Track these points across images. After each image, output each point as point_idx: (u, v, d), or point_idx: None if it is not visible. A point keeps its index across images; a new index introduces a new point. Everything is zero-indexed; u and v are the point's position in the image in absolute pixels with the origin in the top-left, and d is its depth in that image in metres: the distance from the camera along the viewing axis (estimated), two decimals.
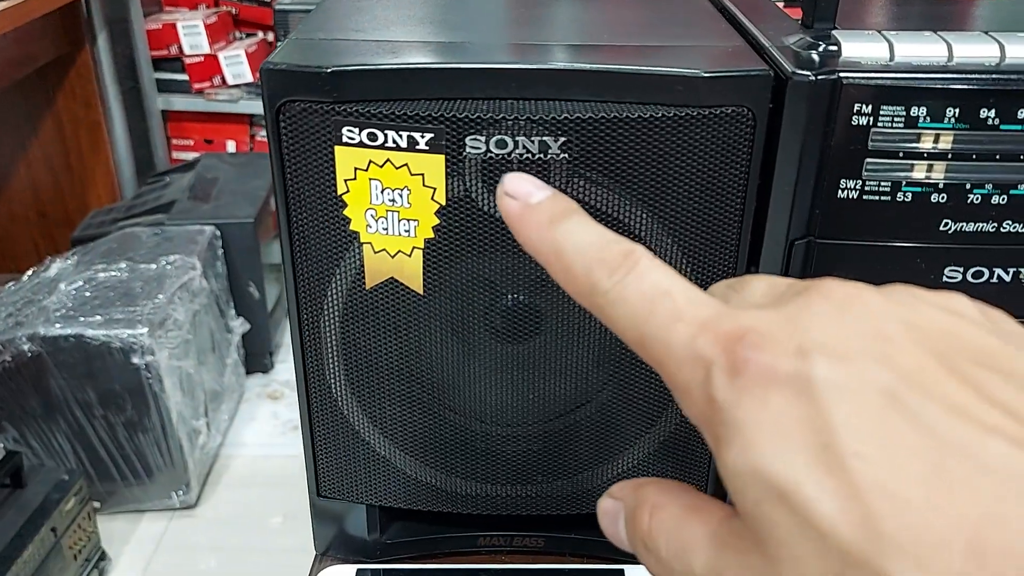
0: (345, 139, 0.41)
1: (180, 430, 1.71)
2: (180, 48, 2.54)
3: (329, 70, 0.40)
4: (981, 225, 0.43)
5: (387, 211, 0.43)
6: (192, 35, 2.54)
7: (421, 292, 0.44)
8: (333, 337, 0.46)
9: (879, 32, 0.44)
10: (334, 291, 0.45)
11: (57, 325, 1.65)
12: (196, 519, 1.79)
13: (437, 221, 0.43)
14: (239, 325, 1.95)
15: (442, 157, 0.41)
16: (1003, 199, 0.43)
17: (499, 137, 0.41)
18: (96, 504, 1.67)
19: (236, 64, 2.55)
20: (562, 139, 0.41)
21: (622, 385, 0.48)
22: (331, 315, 0.46)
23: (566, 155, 0.41)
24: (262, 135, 2.46)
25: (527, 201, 0.29)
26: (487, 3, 0.53)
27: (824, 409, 0.21)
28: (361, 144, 0.41)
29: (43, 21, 2.12)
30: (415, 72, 0.41)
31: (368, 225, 0.43)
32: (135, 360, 1.65)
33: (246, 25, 2.71)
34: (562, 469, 0.51)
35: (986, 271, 0.45)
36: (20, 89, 2.32)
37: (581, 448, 0.50)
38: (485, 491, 0.51)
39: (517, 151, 0.41)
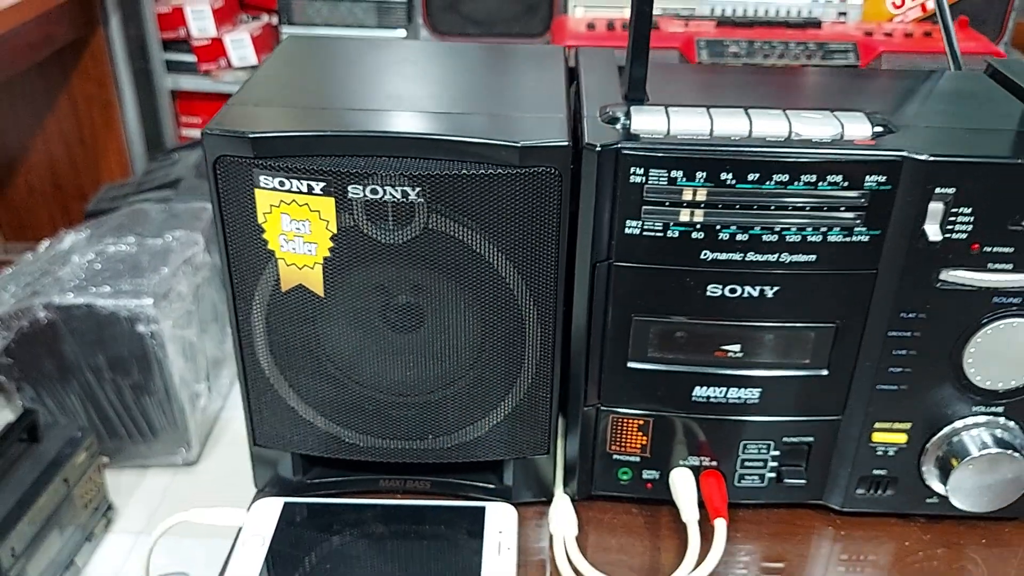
0: (262, 184, 0.57)
1: (182, 393, 1.87)
2: (188, 31, 2.68)
3: (251, 136, 0.56)
4: (731, 255, 0.59)
5: (294, 236, 0.59)
6: (200, 19, 2.67)
7: (322, 295, 0.60)
8: (260, 326, 0.63)
9: (665, 108, 0.60)
10: (260, 292, 0.61)
11: (70, 295, 1.81)
12: (197, 475, 1.95)
13: (332, 244, 0.59)
14: None
15: (332, 199, 0.57)
16: (745, 237, 0.58)
17: (372, 186, 0.57)
18: (105, 459, 1.84)
19: (241, 47, 2.69)
20: (418, 188, 0.57)
21: (483, 367, 0.64)
22: (258, 310, 0.62)
23: (423, 200, 0.57)
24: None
25: None
26: (382, 71, 0.69)
27: None
28: (274, 188, 0.57)
29: (62, 5, 2.26)
30: (313, 138, 0.57)
31: (281, 245, 0.59)
32: (141, 328, 1.81)
33: (252, 8, 2.83)
34: (441, 428, 0.67)
35: (739, 288, 0.60)
36: (38, 69, 2.47)
37: (454, 413, 0.66)
38: (382, 445, 0.67)
39: (386, 196, 0.57)
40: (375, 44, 0.74)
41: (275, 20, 2.72)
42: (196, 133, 2.79)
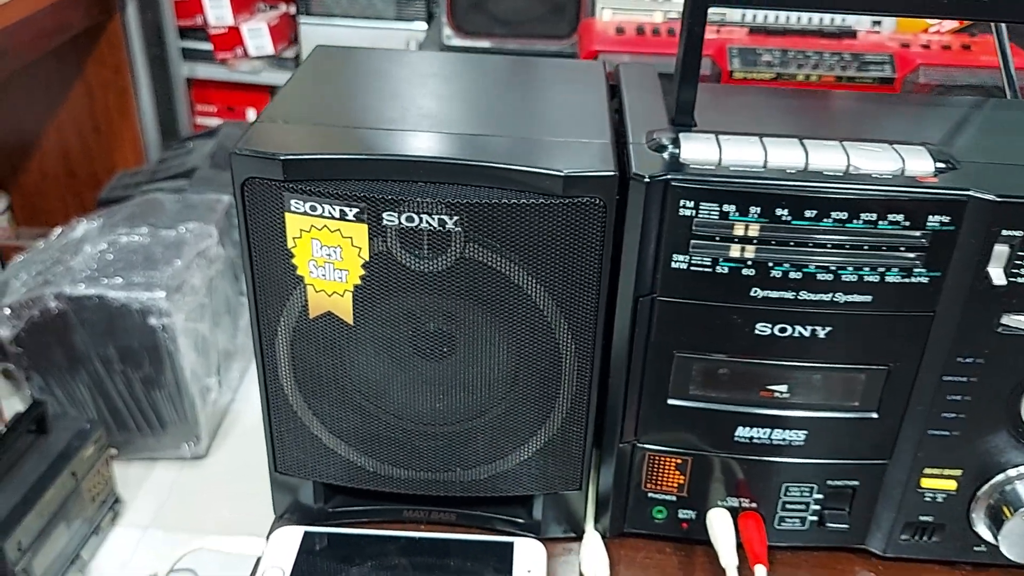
0: (293, 208, 0.54)
1: (193, 387, 1.85)
2: (205, 19, 2.65)
3: (281, 157, 0.53)
4: (783, 293, 0.56)
5: (325, 262, 0.56)
6: (217, 7, 2.65)
7: (351, 324, 0.58)
8: (285, 353, 0.60)
9: (716, 136, 0.57)
10: (286, 318, 0.59)
11: (81, 285, 1.79)
12: (205, 468, 1.94)
13: (363, 272, 0.56)
14: None
15: (365, 226, 0.54)
16: (798, 275, 0.55)
17: (408, 214, 0.54)
18: (113, 451, 1.82)
19: (258, 36, 2.67)
20: (455, 217, 0.54)
21: (516, 398, 0.61)
22: (283, 336, 0.59)
23: (460, 228, 0.54)
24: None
25: None
26: (416, 85, 0.66)
27: None
28: (305, 213, 0.54)
29: None
30: (347, 160, 0.54)
31: (310, 271, 0.56)
32: (152, 321, 1.79)
33: None
34: (469, 460, 0.64)
35: (789, 327, 0.57)
36: (53, 55, 2.44)
37: (484, 445, 0.63)
38: (408, 476, 0.65)
39: (422, 224, 0.54)
40: (406, 56, 0.72)
41: (292, 10, 2.70)
42: (211, 121, 2.77)
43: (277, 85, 2.66)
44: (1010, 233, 0.53)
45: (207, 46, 2.68)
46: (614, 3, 1.38)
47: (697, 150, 0.56)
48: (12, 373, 1.86)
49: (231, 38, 2.66)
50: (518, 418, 0.62)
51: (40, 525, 1.55)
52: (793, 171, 0.55)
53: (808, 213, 0.54)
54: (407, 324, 0.59)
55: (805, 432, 0.61)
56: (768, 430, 0.61)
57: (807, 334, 0.57)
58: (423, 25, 2.53)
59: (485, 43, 1.49)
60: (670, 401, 0.61)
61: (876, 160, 0.55)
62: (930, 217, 0.53)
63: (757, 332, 0.57)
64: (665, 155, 0.56)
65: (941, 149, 0.57)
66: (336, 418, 0.62)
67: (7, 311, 1.78)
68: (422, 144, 0.56)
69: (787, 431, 0.61)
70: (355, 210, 0.54)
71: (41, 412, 1.61)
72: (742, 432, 0.61)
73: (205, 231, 2.01)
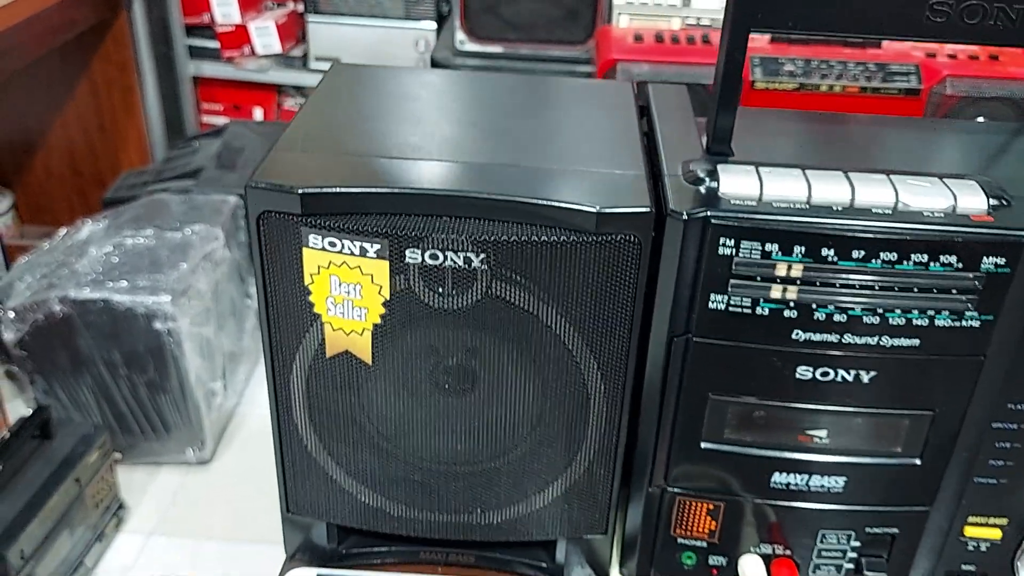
0: (311, 244, 0.52)
1: (198, 392, 1.82)
2: (212, 17, 2.62)
3: (299, 191, 0.50)
4: (826, 336, 0.53)
5: (343, 299, 0.53)
6: (224, 5, 2.61)
7: (370, 364, 0.55)
8: (300, 392, 0.57)
9: (756, 168, 0.54)
10: (301, 356, 0.56)
11: (86, 289, 1.76)
12: (210, 474, 1.92)
13: (384, 310, 0.53)
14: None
15: (387, 263, 0.51)
16: (843, 317, 0.52)
17: (432, 251, 0.51)
18: (118, 455, 1.80)
19: (266, 35, 2.63)
20: (482, 255, 0.51)
21: (541, 438, 0.59)
22: (298, 374, 0.57)
23: (487, 267, 0.51)
24: (289, 104, 2.55)
25: None
26: (437, 109, 0.63)
27: None
28: (324, 249, 0.51)
29: None
30: (368, 195, 0.51)
31: (328, 309, 0.53)
32: (157, 325, 1.76)
33: None
34: (491, 502, 0.61)
35: (831, 371, 0.54)
36: (58, 52, 2.41)
37: (506, 486, 0.61)
38: (427, 518, 0.62)
39: (447, 263, 0.51)
40: (425, 75, 0.69)
41: (300, 8, 2.67)
42: (217, 120, 2.73)
43: (284, 84, 2.63)
44: None
45: (214, 44, 2.64)
46: (631, 9, 1.34)
47: (737, 183, 0.53)
48: (16, 376, 1.84)
49: (238, 36, 2.63)
50: (543, 459, 0.59)
51: (43, 532, 1.52)
52: (839, 208, 0.52)
53: (856, 254, 0.51)
54: (428, 359, 0.56)
55: (844, 478, 0.58)
56: (806, 476, 0.58)
57: (850, 378, 0.54)
58: (432, 25, 2.50)
59: (498, 48, 1.45)
60: (703, 444, 0.58)
61: (926, 196, 0.52)
62: (985, 259, 0.50)
63: (798, 376, 0.54)
64: (703, 188, 0.53)
65: (992, 183, 0.54)
66: (352, 458, 0.60)
67: (11, 314, 1.75)
68: (446, 175, 0.53)
69: (825, 477, 0.58)
70: (376, 247, 0.51)
71: (45, 417, 1.59)
72: (778, 478, 0.58)
73: (211, 233, 1.98)
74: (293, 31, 2.71)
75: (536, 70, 1.44)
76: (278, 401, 0.58)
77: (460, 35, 1.43)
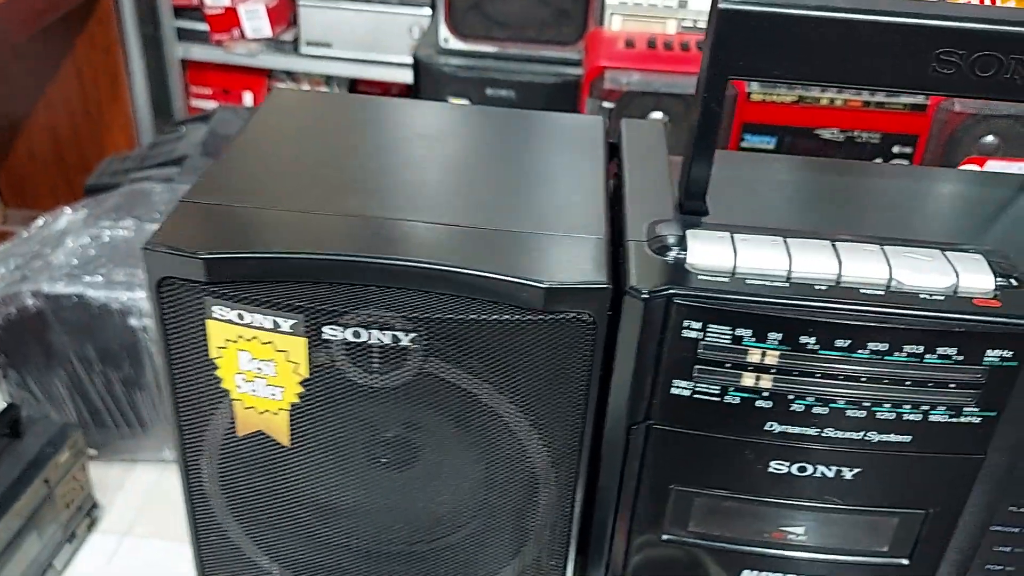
0: (216, 316, 0.45)
1: None
2: None
3: (202, 256, 0.44)
4: (804, 429, 0.47)
5: (255, 377, 0.47)
6: None
7: (288, 445, 0.49)
8: (212, 471, 0.51)
9: (731, 235, 0.47)
10: (211, 433, 0.49)
11: (60, 283, 1.70)
12: None
13: (302, 390, 0.47)
14: None
15: (304, 340, 0.45)
16: (824, 410, 0.46)
17: (354, 328, 0.44)
18: (93, 452, 1.75)
19: (255, 19, 2.56)
20: (412, 334, 0.44)
21: (486, 523, 0.52)
22: (210, 452, 0.50)
23: (418, 346, 0.45)
24: (279, 88, 2.48)
25: None
26: (381, 150, 0.56)
27: None
28: (231, 321, 0.45)
29: None
30: (281, 260, 0.44)
31: (238, 386, 0.47)
32: (133, 322, 1.70)
33: None
34: None
35: (809, 467, 0.48)
36: (42, 34, 2.34)
37: (452, 569, 0.54)
38: None
39: (371, 340, 0.45)
40: (374, 106, 0.62)
41: None
42: (207, 104, 2.66)
43: (274, 69, 2.56)
44: None
45: (203, 26, 2.57)
46: (625, 10, 1.27)
47: (708, 253, 0.46)
48: None
49: (228, 19, 2.55)
50: (487, 545, 0.53)
51: (9, 536, 1.47)
52: (823, 286, 0.45)
53: (840, 343, 0.44)
54: (361, 433, 0.50)
55: None
56: (779, 575, 0.52)
57: (831, 475, 0.48)
58: (427, 11, 2.42)
59: (485, 47, 1.38)
60: (665, 536, 0.52)
61: (924, 273, 0.45)
62: (989, 351, 0.44)
63: (771, 470, 0.48)
64: (670, 258, 0.47)
65: (1002, 257, 0.47)
66: (274, 541, 0.53)
67: None
68: (375, 238, 0.46)
69: None
70: (291, 322, 0.44)
71: (15, 416, 1.54)
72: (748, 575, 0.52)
73: None
74: (284, 15, 2.63)
75: (524, 71, 1.37)
76: (190, 481, 0.52)
77: (444, 32, 1.36)
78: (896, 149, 1.10)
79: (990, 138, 1.14)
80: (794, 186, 0.57)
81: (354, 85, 2.41)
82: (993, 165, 1.03)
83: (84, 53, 2.44)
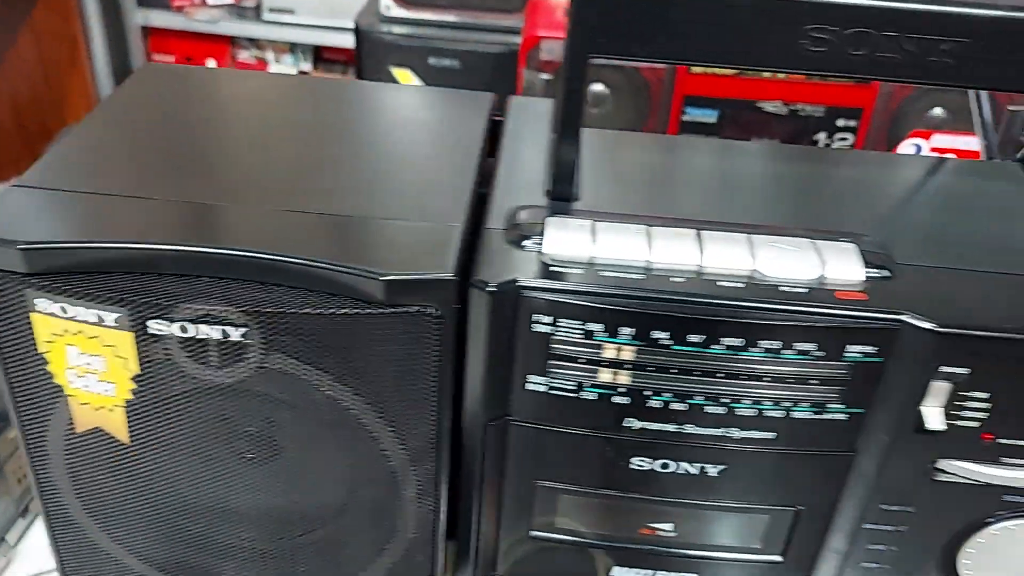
0: (39, 309, 0.43)
1: None
2: None
3: (20, 246, 0.41)
4: (663, 426, 0.45)
5: (86, 372, 0.44)
6: None
7: (127, 442, 0.46)
8: (60, 468, 0.49)
9: (592, 222, 0.45)
10: (53, 430, 0.47)
11: None
12: None
13: (135, 386, 0.44)
14: None
15: (130, 334, 0.42)
16: (683, 406, 0.44)
17: (181, 323, 0.42)
18: None
19: None
20: (243, 329, 0.42)
21: (351, 519, 0.50)
22: (55, 449, 0.48)
23: (252, 341, 0.43)
24: (243, 56, 2.44)
25: None
26: (244, 132, 0.53)
27: None
28: (54, 315, 0.43)
29: None
30: (105, 250, 0.42)
31: (71, 381, 0.45)
32: None
33: None
34: None
35: (672, 464, 0.46)
36: None
37: (317, 566, 0.53)
38: None
39: (199, 336, 0.42)
40: (253, 82, 0.59)
41: None
42: None
43: (237, 36, 2.51)
44: (952, 370, 0.42)
45: None
46: None
47: (564, 242, 0.44)
48: None
49: None
50: (354, 541, 0.51)
51: None
52: (680, 278, 0.43)
53: (693, 339, 0.42)
54: (218, 428, 0.47)
55: (695, 575, 0.50)
56: (650, 572, 0.50)
57: (695, 471, 0.46)
58: None
59: (428, 15, 1.35)
60: (532, 533, 0.50)
61: (788, 262, 0.43)
62: (850, 347, 0.42)
63: (634, 467, 0.46)
64: (526, 246, 0.44)
65: (876, 244, 0.45)
66: (135, 538, 0.51)
67: None
68: (211, 225, 0.44)
69: (673, 574, 0.50)
70: (115, 315, 0.42)
71: None
72: (619, 573, 0.50)
73: None
74: None
75: (468, 40, 1.34)
76: (40, 480, 0.49)
77: (386, 0, 1.33)
78: (840, 122, 1.08)
79: (938, 111, 1.11)
80: (684, 170, 0.54)
81: (319, 52, 2.37)
82: (939, 139, 1.01)
83: (43, 19, 2.39)
